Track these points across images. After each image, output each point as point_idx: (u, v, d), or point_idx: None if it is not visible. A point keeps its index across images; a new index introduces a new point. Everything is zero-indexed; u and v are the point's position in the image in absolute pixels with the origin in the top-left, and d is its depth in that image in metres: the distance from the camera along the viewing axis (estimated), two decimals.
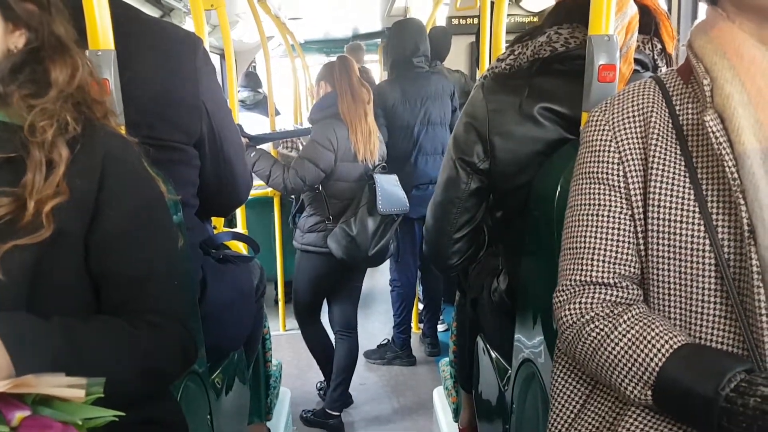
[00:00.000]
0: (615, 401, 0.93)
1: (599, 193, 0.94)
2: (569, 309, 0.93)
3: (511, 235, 1.52)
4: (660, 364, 0.82)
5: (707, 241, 0.83)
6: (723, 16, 0.86)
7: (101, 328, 0.90)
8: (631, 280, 0.92)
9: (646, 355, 0.83)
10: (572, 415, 0.98)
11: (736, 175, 0.79)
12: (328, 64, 2.95)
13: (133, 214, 0.96)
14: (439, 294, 3.93)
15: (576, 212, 0.97)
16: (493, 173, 1.44)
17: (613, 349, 0.87)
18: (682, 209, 0.86)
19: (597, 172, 0.95)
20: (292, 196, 3.39)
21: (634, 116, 0.93)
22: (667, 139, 0.90)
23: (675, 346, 0.82)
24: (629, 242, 0.92)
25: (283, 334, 4.13)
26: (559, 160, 1.30)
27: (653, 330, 0.84)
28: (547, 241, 1.24)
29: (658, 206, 0.88)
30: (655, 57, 1.41)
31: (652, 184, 0.89)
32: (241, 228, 3.15)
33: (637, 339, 0.85)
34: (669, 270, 0.87)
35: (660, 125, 0.91)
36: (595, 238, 0.93)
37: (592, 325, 0.90)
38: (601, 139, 0.95)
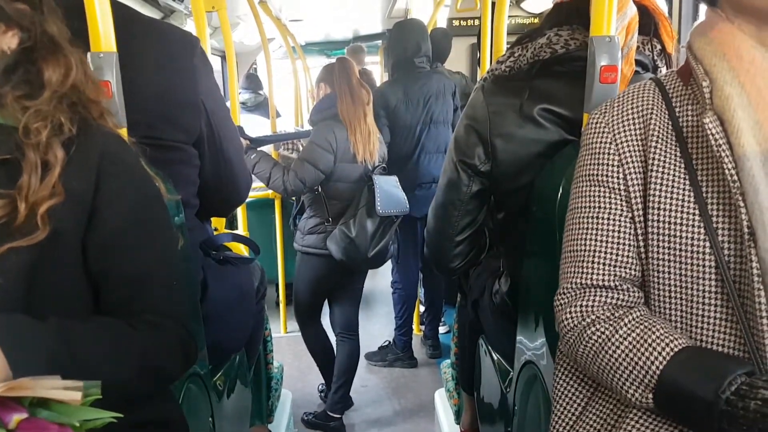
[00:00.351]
0: (616, 404, 0.93)
1: (599, 196, 0.94)
2: (570, 312, 0.93)
3: (512, 237, 1.52)
4: (661, 367, 0.81)
5: (707, 244, 0.83)
6: (722, 18, 0.86)
7: (99, 328, 0.90)
8: (632, 282, 0.92)
9: (647, 358, 0.83)
10: (574, 418, 0.98)
11: (735, 178, 0.79)
12: (327, 65, 2.95)
13: (130, 214, 0.95)
14: (441, 296, 3.92)
15: (576, 215, 0.97)
16: (494, 175, 1.44)
17: (614, 352, 0.86)
18: (682, 211, 0.86)
19: (597, 175, 0.95)
20: (293, 198, 3.39)
21: (633, 118, 0.93)
22: (666, 141, 0.89)
23: (676, 349, 0.82)
24: (630, 245, 0.91)
25: (284, 336, 4.12)
26: (560, 162, 1.30)
27: (654, 333, 0.84)
28: (549, 243, 1.24)
29: (658, 208, 0.88)
30: (655, 57, 1.41)
31: (652, 186, 0.89)
32: (242, 230, 3.15)
33: (638, 342, 0.85)
34: (669, 272, 0.87)
35: (660, 127, 0.91)
36: (596, 240, 0.93)
37: (593, 328, 0.90)
38: (601, 142, 0.95)
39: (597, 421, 0.95)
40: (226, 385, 1.68)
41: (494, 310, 1.68)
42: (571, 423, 0.98)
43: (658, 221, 0.88)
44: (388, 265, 3.56)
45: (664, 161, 0.89)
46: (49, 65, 0.91)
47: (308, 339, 3.10)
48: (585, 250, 0.94)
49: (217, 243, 1.67)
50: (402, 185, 2.91)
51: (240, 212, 3.17)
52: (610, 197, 0.93)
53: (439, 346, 3.88)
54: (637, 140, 0.92)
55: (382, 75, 6.29)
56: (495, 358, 1.77)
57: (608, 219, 0.93)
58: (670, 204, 0.87)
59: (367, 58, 7.26)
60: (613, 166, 0.93)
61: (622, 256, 0.92)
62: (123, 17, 1.24)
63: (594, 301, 0.92)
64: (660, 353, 0.82)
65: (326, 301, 3.11)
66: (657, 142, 0.90)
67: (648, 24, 1.39)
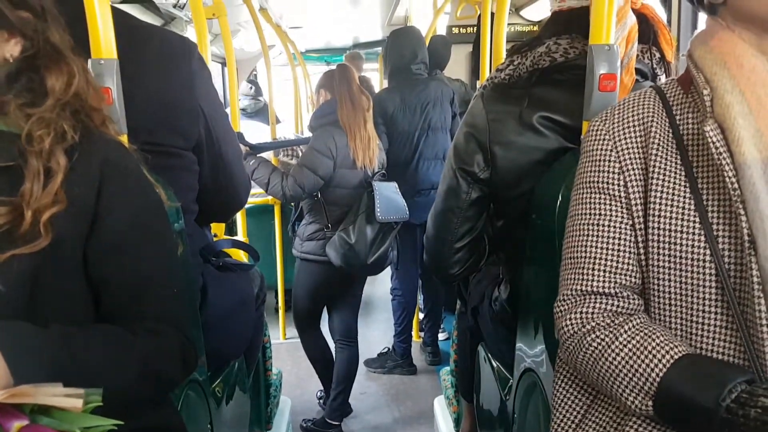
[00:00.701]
0: (616, 411, 0.93)
1: (600, 203, 0.94)
2: (570, 319, 0.93)
3: (512, 244, 1.52)
4: (661, 374, 0.81)
5: (708, 252, 0.83)
6: (723, 26, 0.87)
7: (100, 335, 0.90)
8: (632, 290, 0.92)
9: (647, 365, 0.83)
10: (573, 425, 0.98)
11: (736, 186, 0.79)
12: (327, 72, 2.96)
13: (131, 221, 0.95)
14: (440, 303, 3.92)
15: (577, 222, 0.97)
16: (493, 182, 1.44)
17: (614, 359, 0.86)
18: (682, 219, 0.86)
19: (597, 182, 0.95)
20: (292, 204, 3.39)
21: (634, 126, 0.93)
22: (667, 149, 0.90)
23: (676, 357, 0.82)
24: (630, 252, 0.92)
25: (284, 343, 4.12)
26: (559, 169, 1.30)
27: (654, 340, 0.84)
28: (548, 250, 1.24)
29: (659, 216, 0.88)
30: (654, 66, 1.41)
31: (653, 193, 0.89)
32: (241, 236, 3.15)
33: (638, 349, 0.85)
34: (669, 280, 0.87)
35: (660, 135, 0.91)
36: (596, 247, 0.93)
37: (593, 335, 0.90)
38: (601, 149, 0.95)
39: (596, 429, 0.95)
40: (225, 392, 1.68)
41: (494, 317, 1.68)
42: (570, 431, 0.98)
43: (659, 229, 0.88)
44: (388, 272, 3.56)
45: (665, 169, 0.89)
46: (51, 73, 0.92)
47: (307, 346, 3.09)
48: (585, 257, 0.94)
49: (216, 249, 1.67)
50: (401, 192, 2.92)
51: (239, 218, 3.17)
52: (610, 204, 0.93)
53: (439, 353, 3.88)
54: (637, 148, 0.92)
55: (381, 82, 6.30)
56: (494, 365, 1.77)
57: (609, 226, 0.93)
58: (671, 211, 0.87)
59: (367, 65, 7.29)
60: (613, 173, 0.93)
61: (623, 263, 0.92)
62: (121, 24, 1.25)
63: (594, 308, 0.92)
64: (660, 360, 0.82)
65: (325, 308, 3.10)
66: (657, 149, 0.90)
67: (647, 32, 1.40)
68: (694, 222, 0.85)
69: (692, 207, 0.86)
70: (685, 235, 0.85)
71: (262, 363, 2.32)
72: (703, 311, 0.84)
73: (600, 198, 0.94)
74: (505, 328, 1.60)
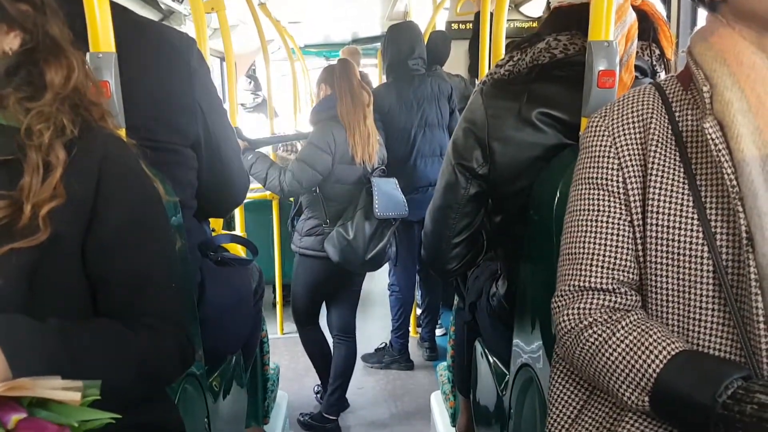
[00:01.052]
0: (612, 407, 0.93)
1: (598, 199, 0.94)
2: (568, 314, 0.93)
3: (509, 240, 1.52)
4: (657, 370, 0.82)
5: (705, 248, 0.83)
6: (723, 23, 0.87)
7: (98, 330, 0.90)
8: (630, 286, 0.92)
9: (644, 361, 0.83)
10: (570, 420, 0.98)
11: (735, 183, 0.79)
12: (328, 66, 2.95)
13: (130, 216, 0.95)
14: (438, 298, 3.92)
15: (575, 218, 0.97)
16: (492, 178, 1.44)
17: (611, 354, 0.87)
18: (680, 216, 0.86)
19: (596, 178, 0.95)
20: (291, 199, 3.38)
21: (633, 122, 0.93)
22: (666, 146, 0.90)
23: (673, 353, 0.82)
24: (628, 248, 0.92)
25: (281, 338, 4.12)
26: (557, 166, 1.30)
27: (651, 336, 0.84)
28: (546, 247, 1.24)
29: (657, 212, 0.88)
30: (654, 63, 1.41)
31: (651, 190, 0.89)
32: (239, 231, 3.15)
33: (634, 345, 0.85)
34: (667, 276, 0.87)
35: (659, 131, 0.91)
36: (594, 243, 0.93)
37: (590, 331, 0.90)
38: (600, 145, 0.95)
39: (593, 425, 0.95)
40: (222, 386, 1.68)
41: (491, 313, 1.68)
42: (566, 426, 0.98)
43: (657, 225, 0.88)
44: (386, 267, 3.56)
45: (664, 165, 0.89)
46: (51, 67, 0.91)
47: (306, 340, 3.10)
48: (583, 253, 0.94)
49: (215, 244, 1.67)
50: None
51: (237, 213, 3.17)
52: (609, 200, 0.93)
53: (436, 349, 3.89)
54: (636, 144, 0.92)
55: (380, 77, 6.30)
56: (491, 360, 1.77)
57: (607, 222, 0.93)
58: (669, 208, 0.87)
59: (366, 60, 7.27)
60: (612, 169, 0.93)
61: (621, 259, 0.92)
62: (120, 19, 1.25)
63: (591, 303, 0.92)
64: (657, 356, 0.82)
65: (324, 303, 3.10)
66: (656, 146, 0.90)
67: (647, 29, 1.40)
68: (693, 219, 0.85)
69: (690, 204, 0.86)
70: (683, 232, 0.85)
71: (260, 358, 2.32)
72: (701, 308, 0.84)
73: (599, 194, 0.94)
74: (503, 324, 1.60)
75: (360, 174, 2.81)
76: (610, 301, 0.91)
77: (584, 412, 0.97)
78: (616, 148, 0.93)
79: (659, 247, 0.88)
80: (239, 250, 2.26)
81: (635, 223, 0.91)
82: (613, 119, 0.95)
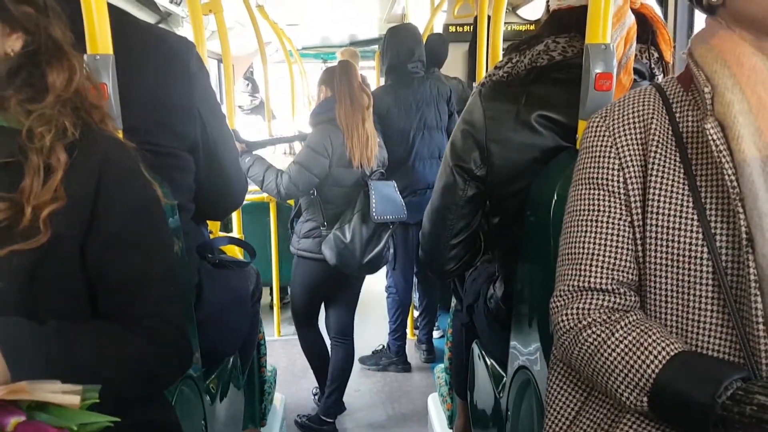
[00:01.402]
0: (610, 408, 0.93)
1: (599, 199, 0.94)
2: (566, 314, 0.93)
3: (507, 242, 1.52)
4: (656, 371, 0.82)
5: (705, 249, 0.83)
6: (723, 25, 0.87)
7: (97, 333, 0.90)
8: (629, 286, 0.92)
9: (643, 361, 0.83)
10: (567, 422, 0.98)
11: (735, 184, 0.80)
12: (329, 68, 2.95)
13: (130, 219, 0.95)
14: (436, 300, 3.92)
15: (575, 217, 0.97)
16: (489, 180, 1.44)
17: (610, 355, 0.87)
18: (680, 216, 0.86)
19: (597, 178, 0.95)
20: (291, 201, 3.38)
21: (634, 123, 0.94)
22: (666, 147, 0.90)
23: (672, 354, 0.82)
24: (628, 249, 0.92)
25: (278, 340, 4.12)
26: (555, 168, 1.31)
27: (650, 337, 0.85)
28: (543, 249, 1.24)
29: (657, 213, 0.88)
30: (652, 66, 1.42)
31: (651, 191, 0.89)
32: (237, 233, 3.15)
33: (633, 345, 0.85)
34: (666, 277, 0.87)
35: (660, 132, 0.91)
36: (594, 243, 0.93)
37: (589, 331, 0.90)
38: (601, 145, 0.95)
39: (591, 426, 0.95)
40: (219, 388, 1.68)
41: (489, 314, 1.69)
42: (564, 428, 0.98)
43: (657, 226, 0.88)
44: (383, 269, 3.56)
45: (664, 166, 0.89)
46: (53, 69, 0.91)
47: (304, 341, 3.10)
48: (583, 253, 0.94)
49: (212, 246, 1.67)
50: None
51: (235, 215, 3.17)
52: (609, 201, 0.94)
53: (433, 351, 3.88)
54: (637, 145, 0.92)
55: (378, 80, 6.30)
56: (488, 363, 1.77)
57: (607, 222, 0.93)
58: (669, 209, 0.87)
59: (363, 63, 7.27)
60: (613, 169, 0.94)
61: (620, 259, 0.92)
62: (120, 22, 1.25)
63: (590, 304, 0.92)
64: (656, 357, 0.82)
65: (323, 305, 3.10)
66: (657, 147, 0.90)
67: (646, 32, 1.40)
68: (692, 219, 0.85)
69: (690, 204, 0.86)
70: (682, 233, 0.86)
71: (257, 360, 2.32)
72: (700, 308, 0.84)
73: (599, 194, 0.95)
74: (500, 326, 1.60)
75: (358, 177, 2.81)
76: (609, 301, 0.92)
77: (582, 414, 0.97)
78: (617, 149, 0.94)
79: (659, 248, 0.88)
80: (237, 253, 2.26)
81: (635, 223, 0.91)
82: (614, 120, 0.96)
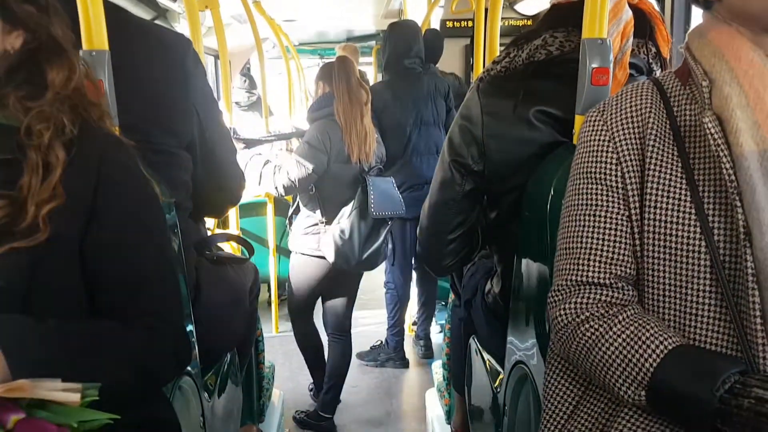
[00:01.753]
0: (608, 402, 0.93)
1: (596, 193, 0.94)
2: (564, 309, 0.93)
3: (504, 237, 1.52)
4: (654, 365, 0.82)
5: (703, 243, 0.84)
6: (720, 19, 0.87)
7: (96, 330, 0.90)
8: (627, 281, 0.92)
9: (641, 355, 0.83)
10: (565, 416, 0.98)
11: (733, 177, 0.80)
12: (327, 64, 2.94)
13: (128, 217, 0.95)
14: (434, 296, 3.92)
15: (573, 212, 0.97)
16: (487, 175, 1.44)
17: (608, 349, 0.87)
18: (678, 210, 0.86)
19: (595, 172, 0.95)
20: (289, 198, 3.38)
21: (631, 117, 0.94)
22: (664, 141, 0.90)
23: (669, 347, 0.82)
24: (626, 243, 0.92)
25: (276, 336, 4.12)
26: (552, 163, 1.31)
27: (648, 331, 0.85)
28: (540, 244, 1.25)
29: (655, 207, 0.88)
30: (650, 61, 1.42)
31: (649, 185, 0.89)
32: (234, 230, 3.14)
33: (631, 340, 0.85)
34: (664, 271, 0.87)
35: (658, 126, 0.91)
36: (592, 238, 0.93)
37: (587, 325, 0.90)
38: (598, 140, 0.95)
39: (588, 420, 0.95)
40: (217, 385, 1.68)
41: (486, 310, 1.69)
42: (562, 423, 0.99)
43: (655, 220, 0.88)
44: (382, 265, 3.56)
45: (662, 160, 0.89)
46: (52, 67, 0.91)
47: (298, 332, 3.10)
48: (581, 248, 0.94)
49: (210, 243, 1.67)
50: None
51: (232, 212, 3.16)
52: (607, 195, 0.94)
53: (431, 347, 3.89)
54: (635, 139, 0.92)
55: (375, 76, 6.28)
56: (486, 358, 1.77)
57: (605, 217, 0.93)
58: (667, 203, 0.87)
59: (361, 58, 7.26)
60: (611, 164, 0.94)
61: (618, 254, 0.92)
62: (117, 19, 1.24)
63: (588, 298, 0.92)
64: (654, 351, 0.83)
65: (320, 300, 3.10)
66: (655, 141, 0.90)
67: (643, 27, 1.40)
68: (690, 213, 0.85)
69: (688, 198, 0.86)
70: (680, 226, 0.86)
71: (255, 356, 2.32)
72: (698, 302, 0.84)
73: (596, 188, 0.95)
74: (498, 321, 1.60)
75: (356, 173, 2.80)
76: (607, 295, 0.92)
77: (579, 409, 0.97)
78: (615, 143, 0.94)
79: (657, 242, 0.88)
80: (235, 249, 2.26)
81: (633, 217, 0.91)
82: (611, 114, 0.96)
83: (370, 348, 3.86)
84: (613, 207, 0.93)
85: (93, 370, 0.83)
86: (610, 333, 0.87)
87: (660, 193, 0.88)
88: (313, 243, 2.81)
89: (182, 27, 3.94)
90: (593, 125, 0.97)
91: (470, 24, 5.01)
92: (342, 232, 2.71)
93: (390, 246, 2.97)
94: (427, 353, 3.86)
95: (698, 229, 0.84)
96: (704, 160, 0.86)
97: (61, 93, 0.91)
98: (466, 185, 1.49)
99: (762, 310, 0.78)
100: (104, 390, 0.71)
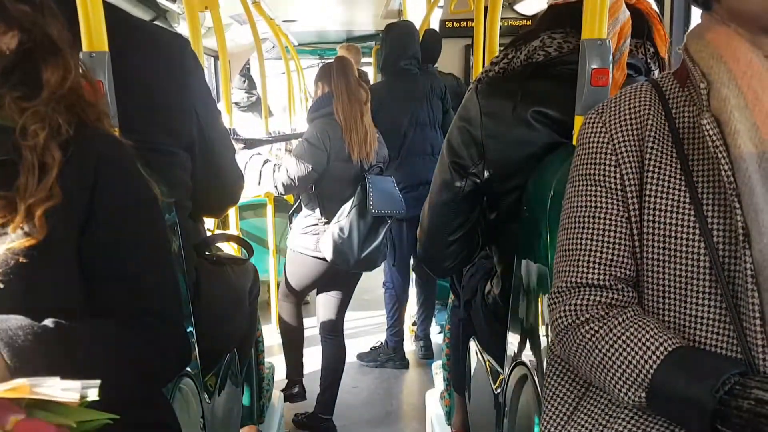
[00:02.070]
0: (608, 403, 0.94)
1: (595, 195, 0.95)
2: (564, 310, 0.93)
3: (504, 238, 1.53)
4: (654, 366, 0.82)
5: (702, 244, 0.84)
6: (718, 20, 0.87)
7: (95, 330, 0.90)
8: (626, 282, 0.92)
9: (641, 357, 0.83)
10: (565, 417, 0.98)
11: (732, 179, 0.80)
12: (326, 64, 2.94)
13: (126, 217, 0.95)
14: (433, 296, 3.92)
15: (572, 214, 0.97)
16: (486, 176, 1.44)
17: (608, 350, 0.87)
18: (677, 212, 0.86)
19: (593, 174, 0.95)
20: (289, 197, 3.38)
21: (630, 119, 0.94)
22: (663, 142, 0.90)
23: (669, 349, 0.82)
24: (625, 244, 0.92)
25: (276, 337, 4.11)
26: (552, 164, 1.31)
27: (648, 332, 0.85)
28: (540, 245, 1.25)
29: (654, 209, 0.88)
30: (648, 61, 1.42)
31: (648, 186, 0.89)
32: (234, 230, 3.14)
33: (631, 341, 0.85)
34: (664, 272, 0.87)
35: (656, 128, 0.91)
36: (591, 240, 0.93)
37: (586, 327, 0.90)
38: (597, 141, 0.95)
39: (588, 421, 0.95)
40: (218, 385, 1.68)
41: (486, 310, 1.69)
42: (562, 423, 0.99)
43: (654, 221, 0.88)
44: (382, 265, 3.56)
45: (661, 162, 0.89)
46: (48, 67, 0.91)
47: (282, 314, 3.11)
48: (580, 250, 0.94)
49: (210, 244, 1.67)
50: None
51: (232, 212, 3.16)
52: (606, 197, 0.94)
53: (431, 347, 3.88)
54: (633, 141, 0.93)
55: (375, 76, 6.28)
56: (486, 358, 1.77)
57: (604, 218, 0.93)
58: (666, 204, 0.87)
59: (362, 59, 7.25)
60: (610, 166, 0.94)
61: (618, 255, 0.92)
62: (116, 20, 1.24)
63: (588, 300, 0.92)
64: (654, 352, 0.83)
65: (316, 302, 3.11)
66: (653, 142, 0.90)
67: (641, 27, 1.40)
68: (689, 215, 0.85)
69: (687, 200, 0.86)
70: (679, 228, 0.86)
71: (255, 357, 2.32)
72: (697, 304, 0.84)
73: (595, 190, 0.95)
74: (498, 322, 1.60)
75: (357, 171, 2.78)
76: (606, 297, 0.92)
77: (579, 409, 0.97)
78: (614, 145, 0.94)
79: (656, 244, 0.88)
80: (235, 250, 2.26)
81: (632, 219, 0.91)
82: (610, 116, 0.96)
83: (370, 349, 3.86)
84: (612, 209, 0.93)
85: (92, 371, 0.82)
86: (610, 335, 0.88)
87: (659, 194, 0.88)
88: (310, 243, 2.80)
89: (182, 28, 3.94)
90: (592, 127, 0.97)
91: (470, 24, 5.00)
92: (341, 230, 2.70)
93: (389, 246, 2.96)
94: (427, 354, 3.85)
95: (697, 231, 0.84)
96: (703, 162, 0.86)
97: (57, 93, 0.91)
98: (466, 187, 1.49)
99: (761, 312, 0.78)
100: (103, 390, 0.71)
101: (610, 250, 0.92)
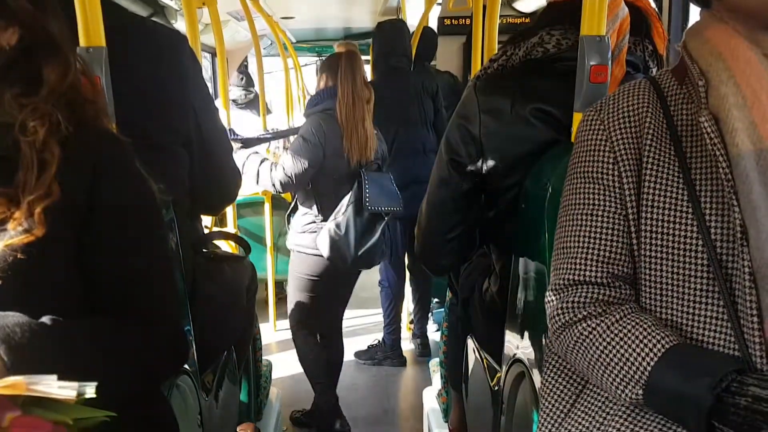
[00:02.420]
0: (605, 400, 0.94)
1: (593, 193, 0.94)
2: (561, 308, 0.93)
3: (502, 236, 1.52)
4: (652, 363, 0.82)
5: (700, 242, 0.84)
6: (717, 18, 0.87)
7: (93, 328, 0.90)
8: (624, 280, 0.92)
9: (638, 354, 0.83)
10: (562, 415, 0.99)
11: (730, 177, 0.80)
12: (333, 55, 2.88)
13: (125, 214, 0.95)
14: (429, 294, 3.92)
15: (570, 211, 0.97)
16: (484, 173, 1.44)
17: (605, 348, 0.87)
18: (675, 209, 0.86)
19: (591, 172, 0.95)
20: (283, 195, 3.37)
21: (628, 116, 0.94)
22: (661, 140, 0.90)
23: (667, 346, 0.82)
24: (623, 242, 0.92)
25: (274, 334, 4.12)
26: (549, 161, 1.31)
27: (645, 330, 0.85)
28: (538, 242, 1.25)
29: (652, 206, 0.88)
30: (647, 58, 1.42)
31: (646, 184, 0.89)
32: (232, 228, 3.14)
33: (629, 338, 0.85)
34: (661, 270, 0.87)
35: (654, 125, 0.91)
36: (589, 237, 0.93)
37: (584, 324, 0.90)
38: (595, 139, 0.95)
39: (585, 419, 0.95)
40: (215, 383, 1.68)
41: (484, 308, 1.69)
42: (559, 421, 0.99)
43: (652, 219, 0.88)
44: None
45: (658, 159, 0.89)
46: (48, 63, 0.91)
47: (298, 343, 2.97)
48: (578, 247, 0.94)
49: (207, 241, 1.67)
50: None
51: (230, 210, 3.16)
52: (604, 194, 0.94)
53: (428, 345, 3.89)
54: (631, 138, 0.92)
55: (371, 74, 6.28)
56: (483, 356, 1.77)
57: (602, 216, 0.93)
58: (664, 202, 0.87)
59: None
60: (607, 163, 0.94)
61: (615, 253, 0.92)
62: (113, 16, 1.24)
63: (585, 297, 0.92)
64: (651, 350, 0.83)
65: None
66: (651, 140, 0.90)
67: (640, 24, 1.40)
68: (687, 212, 0.85)
69: (685, 197, 0.86)
70: (677, 225, 0.86)
71: (253, 354, 2.32)
72: (695, 301, 0.84)
73: (593, 188, 0.95)
74: (495, 320, 1.60)
75: (353, 167, 2.76)
76: (604, 294, 0.92)
77: (577, 406, 0.97)
78: (611, 143, 0.94)
79: (654, 241, 0.88)
80: (233, 248, 2.26)
81: (630, 217, 0.91)
82: (608, 113, 0.96)
83: (368, 347, 3.86)
84: (610, 206, 0.93)
85: (90, 368, 0.83)
86: (607, 332, 0.88)
87: (657, 192, 0.88)
88: (309, 241, 2.79)
89: (180, 24, 3.93)
90: (590, 124, 0.97)
91: (468, 21, 5.00)
92: (338, 226, 2.67)
93: (386, 243, 2.94)
94: (424, 351, 3.86)
95: (695, 228, 0.84)
96: (701, 160, 0.86)
97: (57, 90, 0.90)
98: (464, 184, 1.48)
99: (759, 309, 0.78)
100: (101, 387, 0.71)
101: (608, 248, 0.92)
